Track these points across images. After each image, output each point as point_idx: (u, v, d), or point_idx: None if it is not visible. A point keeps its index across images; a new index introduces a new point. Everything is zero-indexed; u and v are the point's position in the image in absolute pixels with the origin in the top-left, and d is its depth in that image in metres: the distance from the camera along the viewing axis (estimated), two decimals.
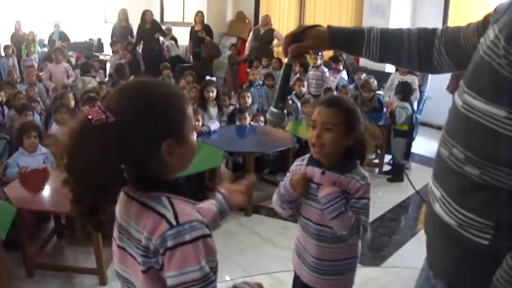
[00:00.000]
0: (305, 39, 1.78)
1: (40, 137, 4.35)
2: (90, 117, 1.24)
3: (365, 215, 2.16)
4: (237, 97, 6.89)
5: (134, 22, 11.87)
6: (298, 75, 8.28)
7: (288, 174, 2.35)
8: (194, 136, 1.41)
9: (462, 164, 1.29)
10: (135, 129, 1.28)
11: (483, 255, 1.27)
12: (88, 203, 1.27)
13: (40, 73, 9.11)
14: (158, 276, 1.30)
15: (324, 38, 1.78)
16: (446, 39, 1.67)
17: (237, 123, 6.20)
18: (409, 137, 6.30)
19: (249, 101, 6.61)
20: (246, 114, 6.18)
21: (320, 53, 8.30)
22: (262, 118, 6.28)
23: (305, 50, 1.83)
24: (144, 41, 10.55)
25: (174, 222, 1.26)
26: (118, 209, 1.39)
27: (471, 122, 1.26)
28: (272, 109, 1.87)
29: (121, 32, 11.48)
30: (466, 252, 1.31)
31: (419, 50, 1.73)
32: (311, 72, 8.32)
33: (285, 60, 1.86)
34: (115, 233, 1.41)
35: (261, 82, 8.23)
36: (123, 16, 11.55)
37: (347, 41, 1.81)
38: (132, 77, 7.47)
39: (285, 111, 1.93)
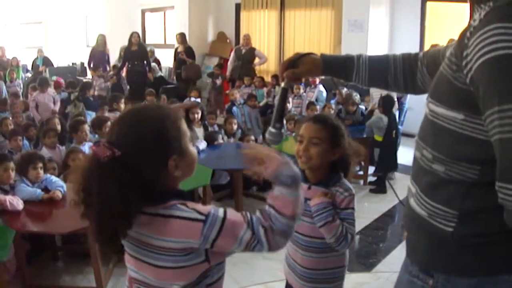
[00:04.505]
0: (300, 65, 1.94)
1: (45, 168, 4.29)
2: (97, 155, 1.37)
3: (350, 223, 2.26)
4: (224, 121, 6.96)
5: (117, 45, 12.00)
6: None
7: None
8: (192, 146, 1.55)
9: (430, 163, 1.46)
10: (141, 156, 1.41)
11: (448, 241, 1.43)
12: (110, 232, 1.41)
13: (26, 100, 9.15)
14: (193, 268, 1.46)
15: (317, 64, 1.95)
16: (427, 60, 1.83)
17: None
18: (384, 148, 6.45)
19: (235, 127, 6.76)
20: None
21: (303, 84, 8.56)
22: (252, 138, 6.41)
23: (300, 75, 1.99)
24: (129, 63, 10.63)
25: (202, 217, 1.41)
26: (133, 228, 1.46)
27: (436, 126, 1.42)
28: (271, 129, 1.99)
29: (98, 57, 11.65)
30: (435, 239, 1.47)
31: (404, 73, 1.90)
32: (295, 100, 8.57)
33: (282, 84, 2.00)
34: (128, 246, 1.52)
35: (242, 101, 8.37)
36: (102, 41, 11.74)
37: (339, 68, 1.98)
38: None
39: (283, 130, 2.07)
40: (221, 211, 1.45)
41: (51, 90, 8.89)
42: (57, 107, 8.53)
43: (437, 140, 1.44)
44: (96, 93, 9.92)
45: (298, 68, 1.94)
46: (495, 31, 1.20)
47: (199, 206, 1.46)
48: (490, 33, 1.21)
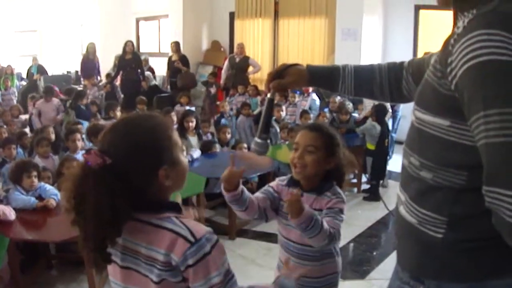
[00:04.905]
0: (286, 76, 1.96)
1: (39, 177, 4.30)
2: (89, 162, 1.38)
3: (335, 218, 2.19)
4: (217, 131, 7.01)
5: (111, 54, 12.02)
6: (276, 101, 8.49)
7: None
8: (183, 157, 1.55)
9: (418, 170, 1.47)
10: (132, 165, 1.42)
11: (438, 247, 1.44)
12: (99, 240, 1.40)
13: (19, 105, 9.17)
14: (173, 285, 1.43)
15: (303, 75, 1.97)
16: (412, 69, 1.86)
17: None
18: (376, 156, 6.49)
19: (229, 136, 6.80)
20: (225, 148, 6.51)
21: (298, 92, 8.60)
22: (245, 145, 6.43)
23: (286, 86, 2.00)
24: (123, 71, 10.64)
25: (192, 239, 1.39)
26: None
27: (422, 133, 1.44)
28: (257, 139, 2.00)
29: (87, 65, 11.72)
30: (425, 246, 1.48)
31: (390, 82, 1.92)
32: (289, 108, 8.58)
33: (268, 95, 2.01)
34: (117, 256, 1.50)
35: (232, 113, 8.40)
36: (91, 49, 11.83)
37: (325, 79, 2.01)
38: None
39: (269, 141, 2.07)
40: (210, 243, 1.41)
41: (55, 100, 8.82)
42: (60, 117, 8.48)
43: (424, 147, 1.46)
44: (89, 101, 9.89)
45: (284, 79, 1.96)
46: (479, 37, 1.23)
47: (194, 227, 1.43)
48: (474, 40, 1.24)
